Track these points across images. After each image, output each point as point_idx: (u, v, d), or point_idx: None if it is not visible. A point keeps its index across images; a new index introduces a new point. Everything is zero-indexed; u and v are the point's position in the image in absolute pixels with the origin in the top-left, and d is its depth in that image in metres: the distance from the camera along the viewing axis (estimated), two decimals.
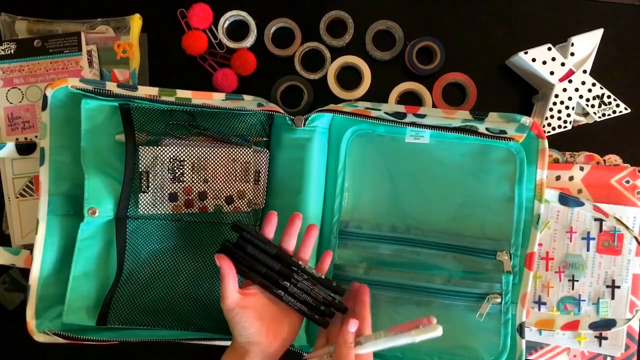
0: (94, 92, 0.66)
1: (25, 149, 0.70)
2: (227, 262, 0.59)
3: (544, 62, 0.74)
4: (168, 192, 0.68)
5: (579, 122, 0.77)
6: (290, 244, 0.63)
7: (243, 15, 0.79)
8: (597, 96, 0.75)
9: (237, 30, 0.80)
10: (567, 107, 0.75)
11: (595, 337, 0.74)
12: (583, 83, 0.75)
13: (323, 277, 0.62)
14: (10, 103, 0.76)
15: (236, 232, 0.62)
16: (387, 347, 0.57)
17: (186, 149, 0.68)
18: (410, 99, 0.80)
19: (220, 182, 0.69)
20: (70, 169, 0.69)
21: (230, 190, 0.69)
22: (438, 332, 0.55)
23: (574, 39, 0.74)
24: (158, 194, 0.69)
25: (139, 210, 0.69)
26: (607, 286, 0.74)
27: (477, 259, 0.69)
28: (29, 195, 0.76)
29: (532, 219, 0.68)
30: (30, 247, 0.68)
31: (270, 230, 0.63)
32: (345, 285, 0.65)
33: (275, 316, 0.60)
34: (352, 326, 0.57)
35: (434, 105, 0.78)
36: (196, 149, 0.69)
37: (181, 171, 0.68)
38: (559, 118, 0.75)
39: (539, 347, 0.75)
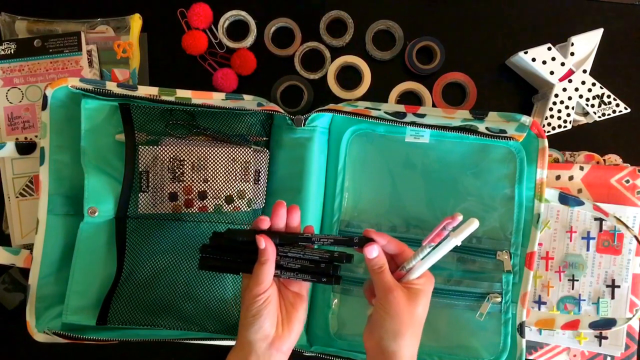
0: (94, 91, 0.66)
1: (25, 148, 0.70)
2: (271, 244, 0.56)
3: (544, 62, 0.74)
4: (168, 191, 0.68)
5: (579, 122, 0.77)
6: (280, 225, 0.59)
7: (243, 15, 0.79)
8: (597, 96, 0.75)
9: (237, 30, 0.80)
10: (567, 107, 0.75)
11: (595, 336, 0.73)
12: (583, 83, 0.75)
13: (331, 235, 0.58)
14: (10, 103, 0.76)
15: (216, 239, 0.59)
16: (435, 261, 0.56)
17: (186, 148, 0.68)
18: (410, 99, 0.80)
19: (220, 181, 0.69)
20: (70, 169, 0.69)
21: (230, 189, 0.69)
22: (475, 224, 0.52)
23: (574, 39, 0.74)
24: (158, 194, 0.68)
25: (139, 209, 0.69)
26: (607, 286, 0.74)
27: (477, 259, 0.69)
28: (29, 195, 0.76)
29: (532, 218, 0.68)
30: (30, 247, 0.68)
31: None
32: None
33: (286, 309, 0.58)
34: (369, 252, 0.56)
35: (434, 105, 0.78)
36: (196, 148, 0.69)
37: (181, 171, 0.68)
38: (559, 118, 0.75)
39: (539, 347, 0.75)
